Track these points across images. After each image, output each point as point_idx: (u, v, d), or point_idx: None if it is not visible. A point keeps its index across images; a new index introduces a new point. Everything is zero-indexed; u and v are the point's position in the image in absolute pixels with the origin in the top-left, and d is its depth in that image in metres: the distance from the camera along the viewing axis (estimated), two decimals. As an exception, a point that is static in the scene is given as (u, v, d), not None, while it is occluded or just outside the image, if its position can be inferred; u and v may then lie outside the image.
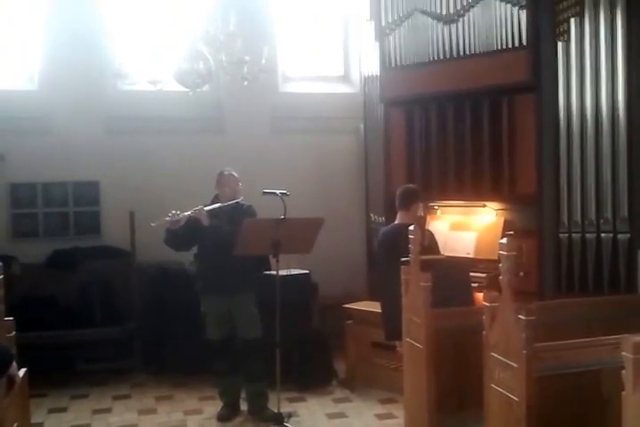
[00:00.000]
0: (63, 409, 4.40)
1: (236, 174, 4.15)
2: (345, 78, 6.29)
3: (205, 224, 3.96)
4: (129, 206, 5.11)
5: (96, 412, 4.34)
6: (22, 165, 5.29)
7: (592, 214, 4.27)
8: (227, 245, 3.82)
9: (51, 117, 5.41)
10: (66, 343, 4.90)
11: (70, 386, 4.80)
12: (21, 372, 2.73)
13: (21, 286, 4.67)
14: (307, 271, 4.95)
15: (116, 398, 4.60)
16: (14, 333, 2.60)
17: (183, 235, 3.99)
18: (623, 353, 1.82)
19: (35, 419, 3.89)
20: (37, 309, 4.92)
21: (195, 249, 4.24)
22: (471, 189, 4.89)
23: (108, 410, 4.37)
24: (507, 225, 4.63)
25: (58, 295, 5.14)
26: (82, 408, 4.41)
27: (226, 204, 4.05)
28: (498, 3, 4.52)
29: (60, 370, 4.92)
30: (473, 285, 4.17)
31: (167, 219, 3.89)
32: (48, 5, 5.44)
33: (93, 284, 5.19)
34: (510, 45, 4.50)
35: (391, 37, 5.17)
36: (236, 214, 4.01)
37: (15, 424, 2.50)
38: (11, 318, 2.58)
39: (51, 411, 4.36)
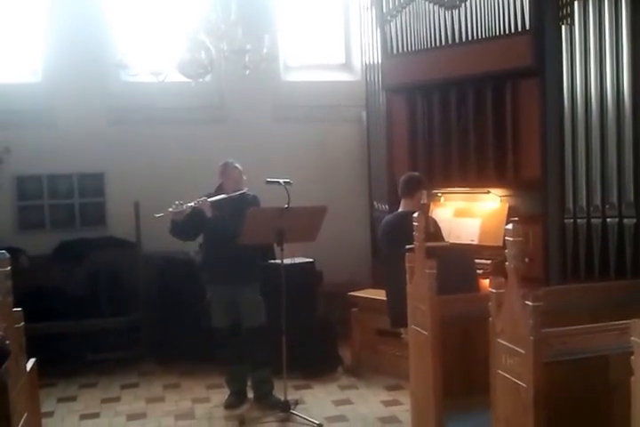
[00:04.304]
0: (72, 398, 4.44)
1: (239, 166, 4.15)
2: (346, 66, 6.25)
3: (209, 215, 3.97)
4: (134, 197, 5.12)
5: (105, 401, 4.38)
6: (27, 158, 5.30)
7: (597, 199, 4.24)
8: (231, 236, 3.83)
9: (54, 110, 5.41)
10: (74, 333, 4.94)
11: (79, 375, 4.84)
12: (30, 362, 2.76)
13: (29, 277, 4.69)
14: (311, 260, 4.95)
15: (124, 386, 4.65)
16: (23, 323, 2.62)
17: (187, 225, 4.00)
18: (632, 338, 1.81)
19: (45, 408, 3.93)
20: (45, 299, 4.95)
21: (200, 238, 4.26)
22: (475, 175, 4.87)
23: (116, 399, 4.41)
24: (511, 211, 4.61)
25: (65, 286, 5.17)
26: (91, 397, 4.45)
27: (231, 195, 4.05)
28: (500, -13, 4.47)
29: (69, 360, 4.95)
30: (478, 271, 4.18)
31: (170, 210, 3.90)
32: (50, -2, 5.42)
33: (100, 274, 5.22)
34: (513, 30, 4.46)
35: (392, 24, 5.13)
36: (241, 205, 4.01)
37: (25, 414, 2.52)
38: (19, 309, 2.59)
39: (60, 400, 4.40)
